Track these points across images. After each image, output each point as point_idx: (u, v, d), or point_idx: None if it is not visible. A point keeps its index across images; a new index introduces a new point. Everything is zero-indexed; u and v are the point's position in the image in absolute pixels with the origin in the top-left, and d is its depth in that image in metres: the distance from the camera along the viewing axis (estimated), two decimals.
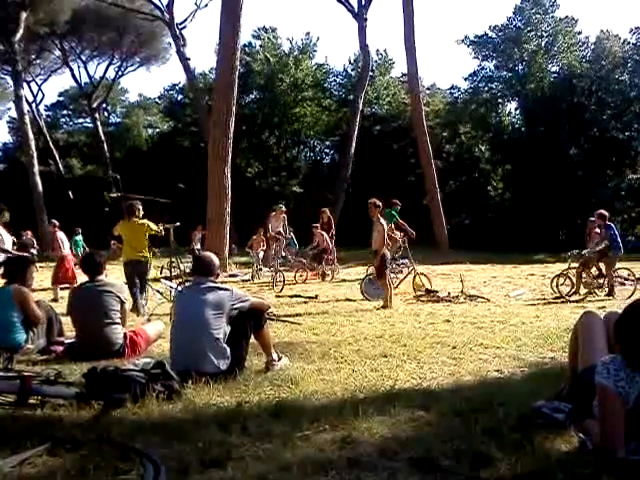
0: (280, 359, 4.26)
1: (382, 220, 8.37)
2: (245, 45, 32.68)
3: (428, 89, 35.88)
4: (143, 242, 7.65)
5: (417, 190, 24.57)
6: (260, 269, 13.78)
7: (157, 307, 7.53)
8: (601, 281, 9.49)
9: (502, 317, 7.02)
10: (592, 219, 10.57)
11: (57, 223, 11.29)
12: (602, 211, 9.68)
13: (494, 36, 30.36)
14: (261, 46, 33.16)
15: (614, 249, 9.32)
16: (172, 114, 36.39)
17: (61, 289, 9.83)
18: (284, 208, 13.98)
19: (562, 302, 8.74)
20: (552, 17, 29.72)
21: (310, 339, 5.59)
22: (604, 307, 7.33)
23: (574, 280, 9.38)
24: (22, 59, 27.95)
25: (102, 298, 4.75)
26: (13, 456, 2.35)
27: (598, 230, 9.87)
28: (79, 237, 17.09)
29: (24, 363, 4.36)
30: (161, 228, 7.81)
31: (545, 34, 29.79)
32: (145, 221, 7.71)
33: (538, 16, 29.28)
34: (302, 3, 73.43)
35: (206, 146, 17.75)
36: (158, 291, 8.43)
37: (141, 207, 7.77)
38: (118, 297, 4.83)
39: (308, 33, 35.85)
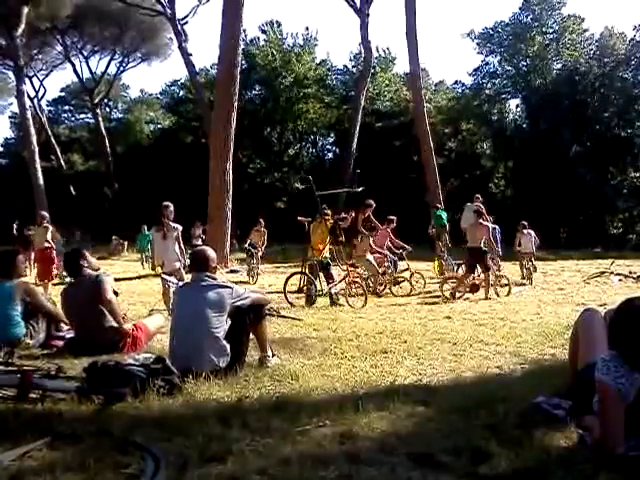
0: (273, 356, 4.24)
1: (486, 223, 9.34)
2: (251, 40, 32.65)
3: (436, 85, 35.74)
4: None
5: (418, 186, 24.49)
6: (258, 267, 12.78)
7: (157, 302, 7.53)
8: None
9: (502, 314, 7.04)
10: None
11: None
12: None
13: (500, 31, 30.22)
14: (266, 40, 33.05)
15: None
16: (174, 110, 36.31)
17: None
18: (480, 198, 12.14)
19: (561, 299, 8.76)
20: (559, 14, 29.63)
21: (311, 335, 5.60)
22: (605, 304, 7.32)
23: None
24: (24, 54, 27.86)
25: (95, 293, 4.67)
26: (13, 450, 2.35)
27: None
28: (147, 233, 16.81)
29: (25, 357, 4.36)
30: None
31: (551, 31, 29.67)
32: None
33: (545, 13, 29.17)
34: None
35: (208, 142, 17.73)
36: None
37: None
38: (107, 290, 4.71)
39: (307, 28, 35.75)
